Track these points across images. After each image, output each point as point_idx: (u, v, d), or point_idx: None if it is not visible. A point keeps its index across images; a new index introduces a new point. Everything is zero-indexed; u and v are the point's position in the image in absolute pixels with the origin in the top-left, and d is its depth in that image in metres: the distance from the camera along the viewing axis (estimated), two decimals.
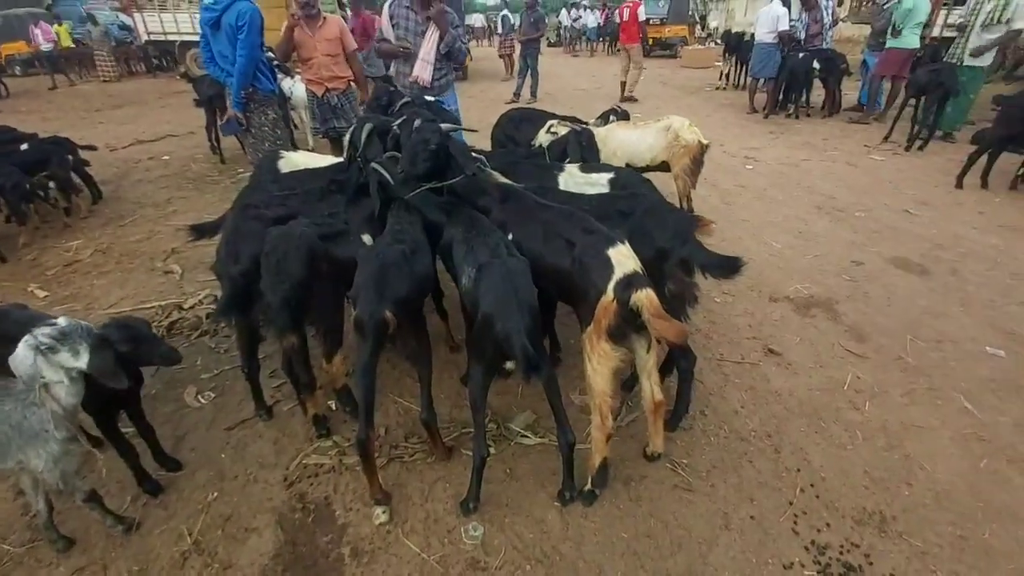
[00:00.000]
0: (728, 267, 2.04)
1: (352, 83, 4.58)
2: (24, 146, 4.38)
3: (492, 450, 2.02)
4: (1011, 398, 2.51)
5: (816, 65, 7.78)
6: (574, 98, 10.07)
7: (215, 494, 2.06)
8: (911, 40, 6.98)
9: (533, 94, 9.88)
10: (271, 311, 1.96)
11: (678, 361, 2.32)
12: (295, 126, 6.53)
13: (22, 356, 1.62)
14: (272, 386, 2.56)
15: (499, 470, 2.15)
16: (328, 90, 4.44)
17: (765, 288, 3.50)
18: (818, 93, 8.56)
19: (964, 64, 6.18)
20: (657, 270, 2.08)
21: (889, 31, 7.06)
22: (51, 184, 4.32)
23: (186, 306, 3.18)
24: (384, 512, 1.96)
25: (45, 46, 12.98)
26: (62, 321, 1.69)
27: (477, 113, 7.97)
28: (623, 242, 1.93)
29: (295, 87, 5.67)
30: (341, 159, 3.04)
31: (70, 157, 4.49)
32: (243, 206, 2.20)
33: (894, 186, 5.27)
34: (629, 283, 1.79)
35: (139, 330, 1.76)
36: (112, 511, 1.86)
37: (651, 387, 2.03)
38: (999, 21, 5.86)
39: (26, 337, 1.63)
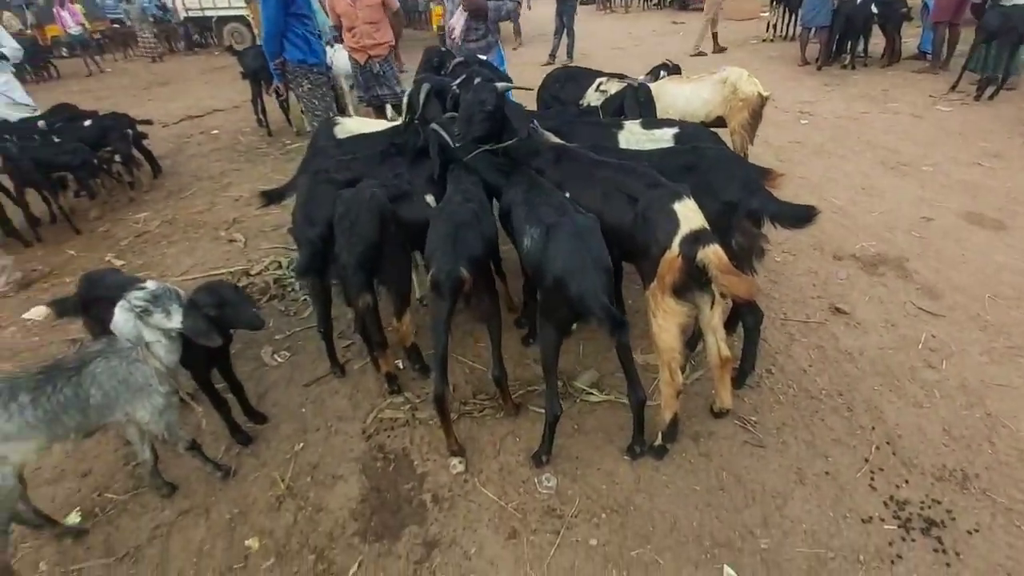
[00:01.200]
0: (802, 217, 1.97)
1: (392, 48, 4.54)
2: (87, 123, 4.56)
3: (565, 403, 2.05)
4: None
5: (874, 10, 7.21)
6: (611, 57, 9.67)
7: (301, 445, 2.18)
8: None
9: (569, 55, 9.55)
10: (347, 271, 2.01)
11: (744, 318, 2.28)
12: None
13: (122, 320, 1.71)
14: (341, 346, 2.66)
15: (567, 426, 2.19)
16: (371, 57, 4.40)
17: (828, 246, 3.37)
18: (875, 41, 7.96)
19: (1002, 3, 5.65)
20: (724, 224, 2.02)
21: None
22: (116, 158, 4.50)
23: (253, 272, 3.31)
24: (460, 463, 2.04)
25: (74, 29, 11.91)
26: (151, 284, 1.78)
27: (512, 75, 7.78)
28: (689, 196, 1.88)
29: (335, 56, 5.64)
30: (394, 123, 3.05)
31: (130, 132, 4.66)
32: (314, 171, 2.24)
33: (964, 138, 4.92)
34: (696, 239, 1.75)
35: (225, 295, 1.83)
36: (211, 459, 2.00)
37: (717, 343, 2.01)
38: None
39: (120, 302, 1.72)
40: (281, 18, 3.60)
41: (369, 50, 4.38)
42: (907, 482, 1.92)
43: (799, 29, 8.41)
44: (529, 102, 4.02)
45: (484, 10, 3.77)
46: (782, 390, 2.34)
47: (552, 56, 9.53)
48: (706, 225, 1.80)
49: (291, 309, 3.02)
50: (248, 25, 11.68)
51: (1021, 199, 3.75)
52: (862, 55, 7.86)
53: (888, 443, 2.07)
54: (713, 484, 1.95)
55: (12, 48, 4.48)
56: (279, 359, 2.65)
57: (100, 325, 1.89)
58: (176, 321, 1.73)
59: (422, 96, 2.51)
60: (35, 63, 10.80)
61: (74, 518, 1.94)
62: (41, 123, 4.37)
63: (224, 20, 12.28)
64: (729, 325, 2.39)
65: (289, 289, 3.17)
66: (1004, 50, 5.66)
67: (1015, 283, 2.90)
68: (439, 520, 1.87)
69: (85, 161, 4.16)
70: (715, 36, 9.36)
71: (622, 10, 17.54)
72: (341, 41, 4.78)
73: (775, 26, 10.79)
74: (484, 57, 3.89)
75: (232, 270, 3.39)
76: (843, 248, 3.34)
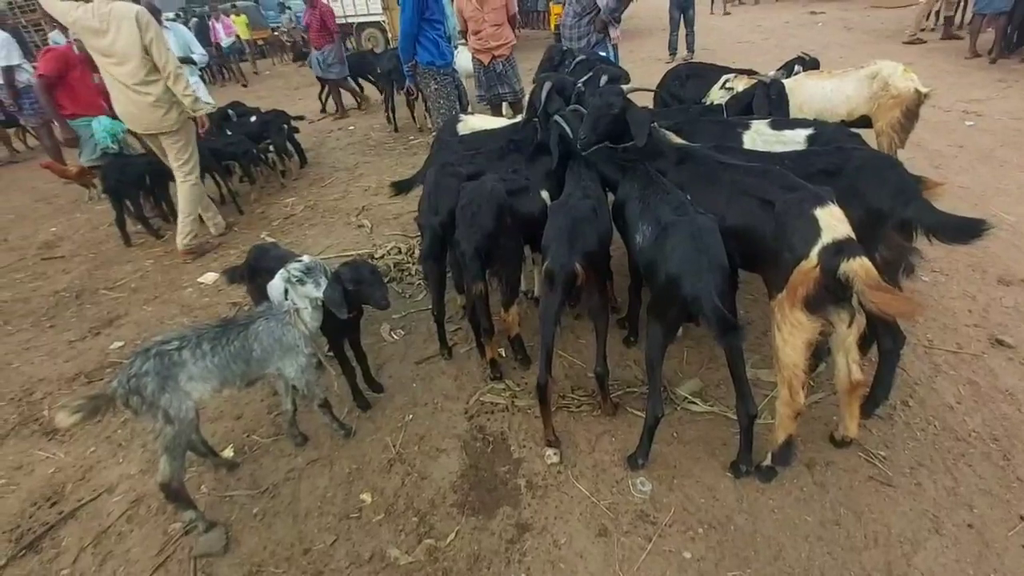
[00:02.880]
0: (968, 230, 1.73)
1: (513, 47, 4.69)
2: (253, 118, 5.29)
3: (666, 410, 2.01)
4: None
5: None
6: (737, 52, 9.08)
7: (411, 416, 2.37)
8: None
9: (690, 49, 9.11)
10: (464, 259, 2.15)
11: (882, 339, 2.05)
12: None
13: (277, 285, 2.01)
14: (449, 330, 2.83)
15: (666, 433, 2.14)
16: (494, 58, 4.60)
17: (992, 268, 2.91)
18: None
19: None
20: (869, 234, 1.84)
21: None
22: (270, 149, 5.19)
23: (377, 256, 3.64)
24: (555, 454, 2.09)
25: (226, 41, 12.46)
26: (306, 258, 2.06)
27: (630, 73, 7.62)
28: (833, 202, 1.74)
29: (458, 56, 5.95)
30: (513, 121, 3.17)
31: (286, 127, 5.33)
32: (441, 164, 2.42)
33: None
34: (839, 250, 1.61)
35: (364, 274, 2.05)
36: (337, 417, 2.26)
37: (848, 364, 1.85)
38: None
39: (281, 271, 2.02)
40: (416, 23, 3.88)
41: (493, 51, 4.58)
42: None
43: (971, 16, 7.24)
44: (649, 102, 3.95)
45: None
46: (920, 426, 2.08)
47: (672, 52, 9.18)
48: (852, 235, 1.66)
49: (407, 292, 3.28)
50: (383, 31, 12.66)
51: None
52: None
53: None
54: (828, 517, 1.80)
55: (200, 54, 5.34)
56: (395, 336, 2.90)
57: (261, 292, 2.22)
58: (322, 291, 1.98)
59: (543, 94, 2.58)
60: (212, 68, 12.66)
61: (228, 453, 2.29)
62: (230, 111, 5.18)
63: (363, 26, 13.46)
64: (862, 346, 2.17)
65: (406, 273, 3.44)
66: None
67: None
68: (531, 506, 1.94)
69: (248, 151, 4.85)
70: (939, 17, 8.17)
71: (751, 1, 16.32)
72: (464, 43, 5.05)
73: (938, 13, 9.41)
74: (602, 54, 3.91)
75: (360, 252, 3.75)
76: (1012, 271, 2.86)
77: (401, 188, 2.70)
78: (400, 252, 3.66)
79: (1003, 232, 3.20)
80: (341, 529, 1.93)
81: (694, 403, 2.27)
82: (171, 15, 12.07)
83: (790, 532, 1.77)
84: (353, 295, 2.03)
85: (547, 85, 2.58)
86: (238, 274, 2.42)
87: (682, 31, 9.04)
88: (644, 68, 8.37)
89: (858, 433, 1.96)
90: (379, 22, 12.70)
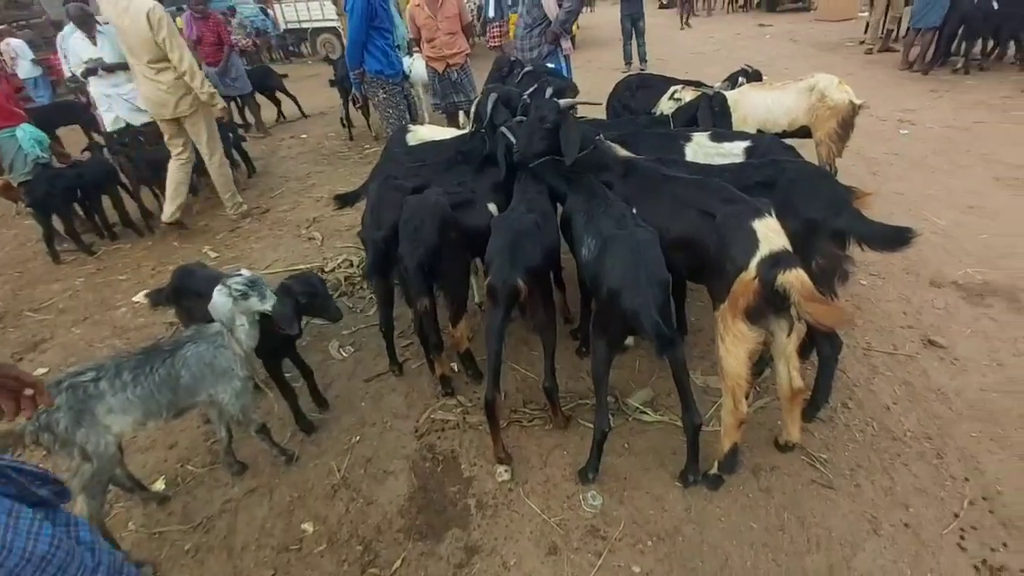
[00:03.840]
0: (896, 239, 1.80)
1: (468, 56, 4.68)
2: None
3: (612, 422, 2.00)
4: None
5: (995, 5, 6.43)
6: (689, 62, 9.34)
7: (358, 438, 2.29)
8: None
9: (643, 59, 9.31)
10: (408, 274, 2.09)
11: (821, 346, 2.11)
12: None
13: (221, 302, 1.87)
14: (401, 346, 2.76)
15: (617, 444, 2.14)
16: (449, 66, 4.57)
17: (924, 271, 3.05)
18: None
19: None
20: (804, 245, 1.89)
21: None
22: None
23: (327, 269, 3.53)
24: (506, 471, 2.05)
25: None
26: (245, 272, 1.94)
27: (587, 83, 7.71)
28: (771, 214, 1.78)
29: (414, 64, 5.89)
30: (463, 131, 3.13)
31: (231, 135, 5.12)
32: (384, 176, 2.35)
33: None
34: (776, 262, 1.65)
35: (316, 286, 1.98)
36: (277, 443, 2.15)
37: (789, 372, 1.88)
38: None
39: (219, 287, 1.88)
40: (364, 30, 3.80)
41: (448, 59, 4.55)
42: (1005, 545, 1.69)
43: (907, 30, 7.69)
44: (599, 114, 3.98)
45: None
46: (859, 427, 2.14)
47: (628, 62, 9.36)
48: (788, 246, 1.69)
49: (358, 306, 3.19)
50: (339, 36, 12.48)
51: None
52: (978, 59, 7.05)
53: (985, 499, 1.84)
54: (772, 523, 1.82)
55: None
56: (344, 354, 2.80)
57: (189, 315, 2.09)
58: (268, 304, 1.87)
59: (489, 106, 2.56)
60: None
61: (160, 485, 2.15)
62: None
63: (318, 31, 13.22)
64: (802, 352, 2.22)
65: (358, 287, 3.35)
66: None
67: None
68: (481, 527, 1.89)
69: None
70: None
71: (703, 13, 16.88)
72: (419, 51, 5.00)
73: (879, 26, 9.94)
74: (551, 66, 3.94)
75: (309, 266, 3.62)
76: (943, 274, 3.01)
77: (346, 201, 2.62)
78: (352, 265, 3.56)
79: (934, 236, 3.37)
80: (280, 563, 1.82)
81: (645, 413, 2.27)
82: None
83: (736, 540, 1.78)
84: (305, 308, 1.95)
85: (492, 97, 2.56)
86: (163, 296, 2.28)
87: (635, 41, 9.24)
88: (602, 77, 8.48)
89: (801, 437, 2.00)
90: (335, 27, 12.51)
